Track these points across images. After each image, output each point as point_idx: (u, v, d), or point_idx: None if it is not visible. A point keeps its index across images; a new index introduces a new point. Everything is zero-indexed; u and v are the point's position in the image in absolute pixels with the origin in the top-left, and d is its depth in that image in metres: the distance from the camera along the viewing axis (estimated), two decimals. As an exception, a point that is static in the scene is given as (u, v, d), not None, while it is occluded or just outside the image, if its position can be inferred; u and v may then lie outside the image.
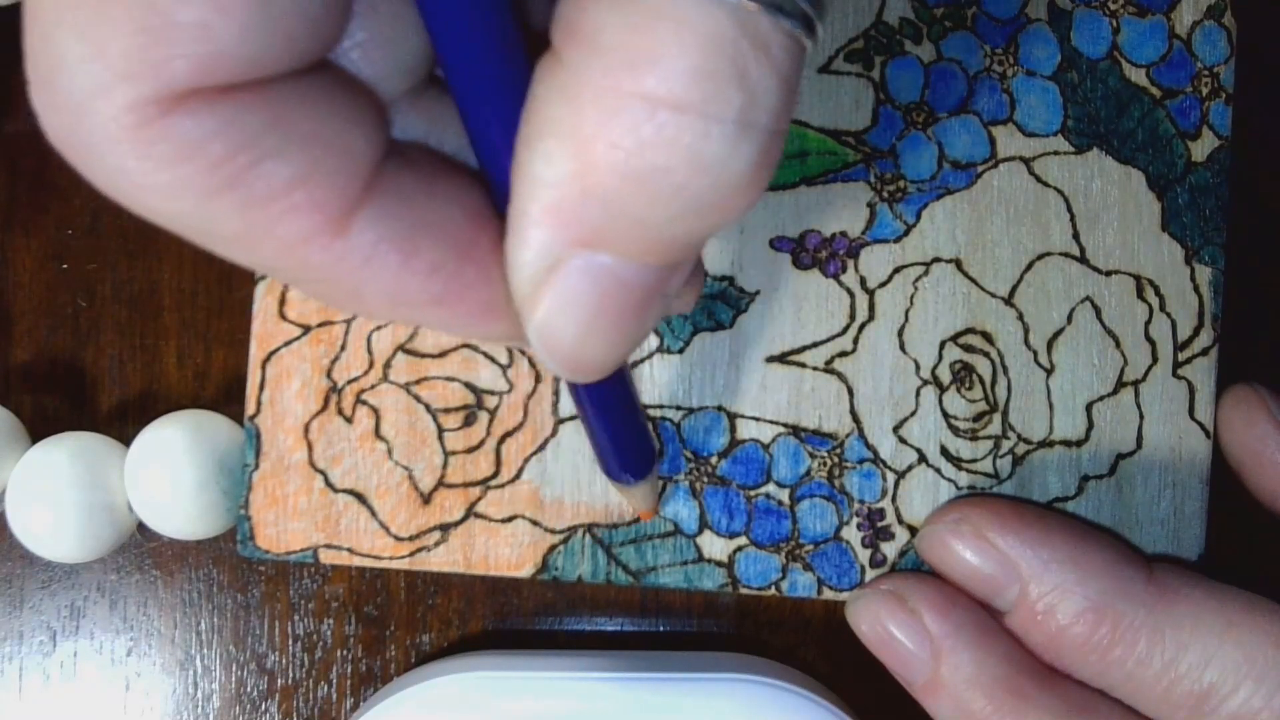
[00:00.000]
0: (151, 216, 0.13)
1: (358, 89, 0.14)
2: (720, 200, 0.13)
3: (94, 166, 0.13)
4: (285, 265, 0.14)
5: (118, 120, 0.12)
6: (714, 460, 0.25)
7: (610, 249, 0.13)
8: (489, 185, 0.15)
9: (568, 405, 0.25)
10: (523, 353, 0.25)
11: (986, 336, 0.25)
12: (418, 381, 0.25)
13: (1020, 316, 0.25)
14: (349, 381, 0.25)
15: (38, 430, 0.27)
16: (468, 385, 0.25)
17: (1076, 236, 0.25)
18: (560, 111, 0.13)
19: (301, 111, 0.13)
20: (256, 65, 0.13)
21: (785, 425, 0.25)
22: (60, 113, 0.12)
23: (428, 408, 0.25)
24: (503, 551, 0.25)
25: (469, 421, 0.25)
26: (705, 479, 0.25)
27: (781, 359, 0.25)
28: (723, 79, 0.12)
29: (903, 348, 0.25)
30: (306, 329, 0.25)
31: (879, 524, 0.25)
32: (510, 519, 0.25)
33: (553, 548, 0.25)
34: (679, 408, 0.25)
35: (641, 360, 0.25)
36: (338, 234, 0.14)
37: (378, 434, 0.25)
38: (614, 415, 0.20)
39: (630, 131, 0.12)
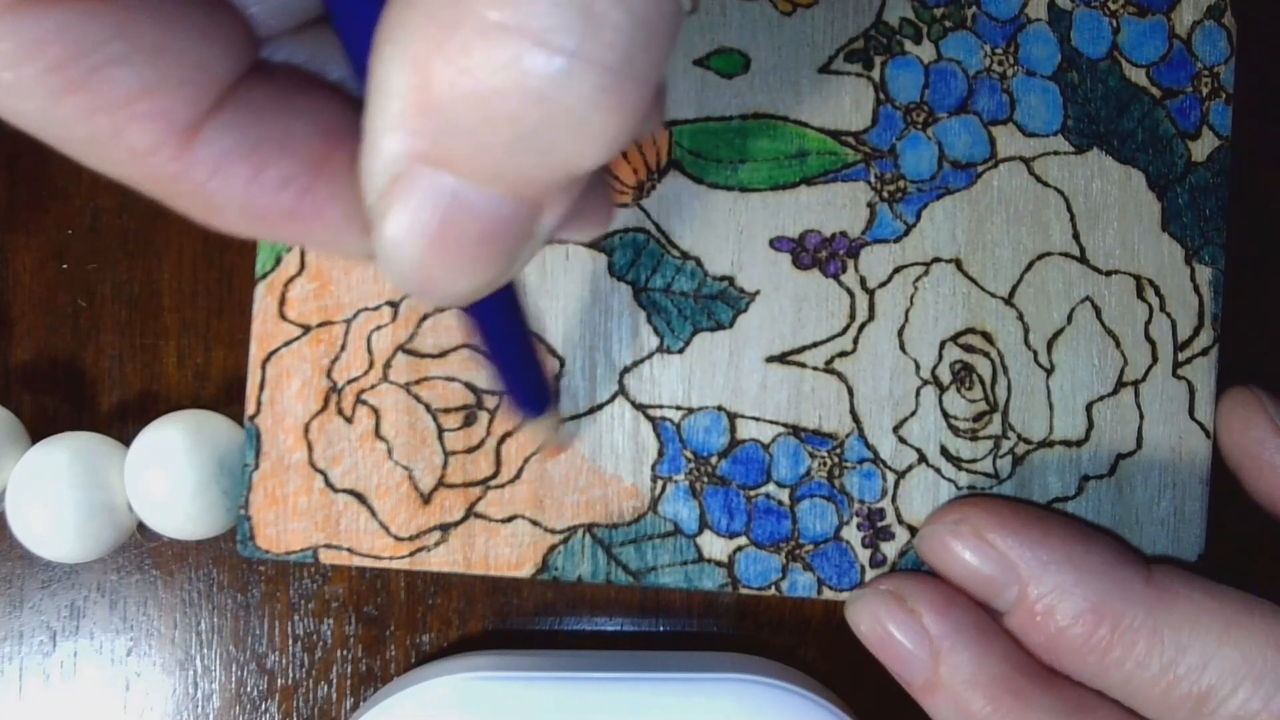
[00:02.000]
0: (6, 118, 0.14)
1: (222, 6, 0.15)
2: (562, 137, 0.13)
3: None
4: (137, 175, 0.14)
5: None
6: (714, 460, 0.25)
7: (453, 169, 0.13)
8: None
9: (567, 405, 0.25)
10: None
11: (986, 336, 0.25)
12: (418, 381, 0.25)
13: (1020, 316, 0.25)
14: (349, 381, 0.25)
15: (38, 430, 0.27)
16: (468, 385, 0.25)
17: (1076, 236, 0.25)
18: (405, 20, 0.13)
19: (152, 21, 0.13)
20: None
21: (785, 425, 0.25)
22: None
23: (428, 408, 0.25)
24: (503, 551, 0.25)
25: (469, 421, 0.25)
26: (705, 479, 0.25)
27: (781, 359, 0.25)
28: (565, 9, 0.12)
29: (903, 348, 0.25)
30: (306, 329, 0.25)
31: (879, 524, 0.25)
32: (510, 519, 0.25)
33: (553, 548, 0.25)
34: (679, 408, 0.25)
35: (641, 360, 0.25)
36: (185, 145, 0.14)
37: (378, 434, 0.25)
38: (501, 347, 0.20)
39: (466, 49, 0.12)
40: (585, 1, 0.12)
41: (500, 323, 0.19)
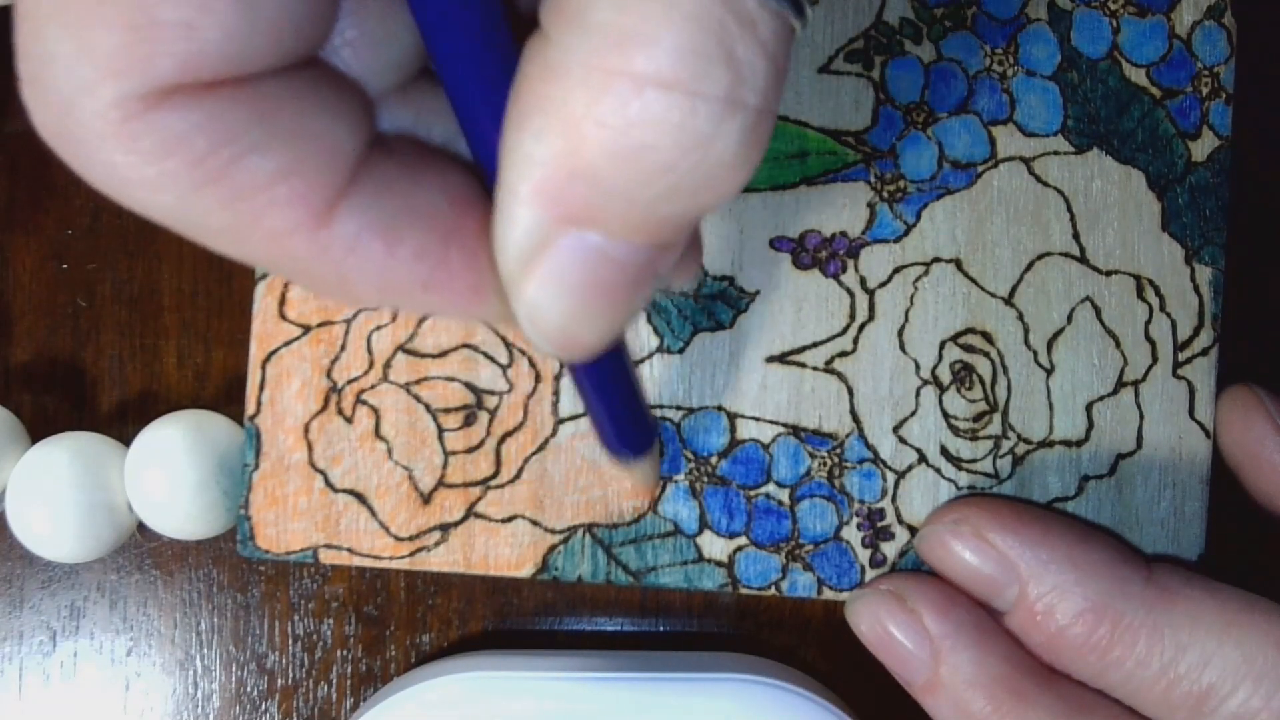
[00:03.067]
0: (141, 209, 0.14)
1: (345, 84, 0.15)
2: (708, 179, 0.13)
3: (83, 160, 0.13)
4: (273, 257, 0.14)
5: (104, 116, 0.13)
6: (714, 460, 0.25)
7: (599, 228, 0.14)
8: (479, 169, 0.15)
9: (568, 405, 0.25)
10: (522, 351, 0.25)
11: (986, 336, 0.25)
12: (418, 381, 0.25)
13: (1020, 316, 0.25)
14: (349, 381, 0.25)
15: (38, 430, 0.27)
16: (468, 385, 0.25)
17: (1076, 236, 0.25)
18: (549, 89, 0.13)
19: (286, 106, 0.13)
20: (240, 63, 0.13)
21: (785, 425, 0.25)
22: (50, 109, 0.13)
23: (428, 408, 0.25)
24: (503, 551, 0.25)
25: (469, 421, 0.25)
26: (705, 479, 0.25)
27: (781, 359, 0.25)
28: (709, 57, 0.12)
29: (903, 348, 0.25)
30: (306, 329, 0.25)
31: (879, 524, 0.25)
32: (510, 519, 0.25)
33: (553, 548, 0.25)
34: (679, 408, 0.25)
35: (641, 360, 0.25)
36: (322, 225, 0.14)
37: (378, 434, 0.25)
38: (612, 391, 0.20)
39: (617, 110, 0.12)
40: (727, 48, 0.12)
41: (609, 362, 0.19)
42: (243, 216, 0.13)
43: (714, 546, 0.25)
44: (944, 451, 0.25)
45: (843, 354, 0.25)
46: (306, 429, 0.25)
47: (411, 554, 0.25)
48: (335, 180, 0.14)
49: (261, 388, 0.25)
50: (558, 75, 0.13)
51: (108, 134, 0.13)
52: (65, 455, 0.26)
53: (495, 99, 0.14)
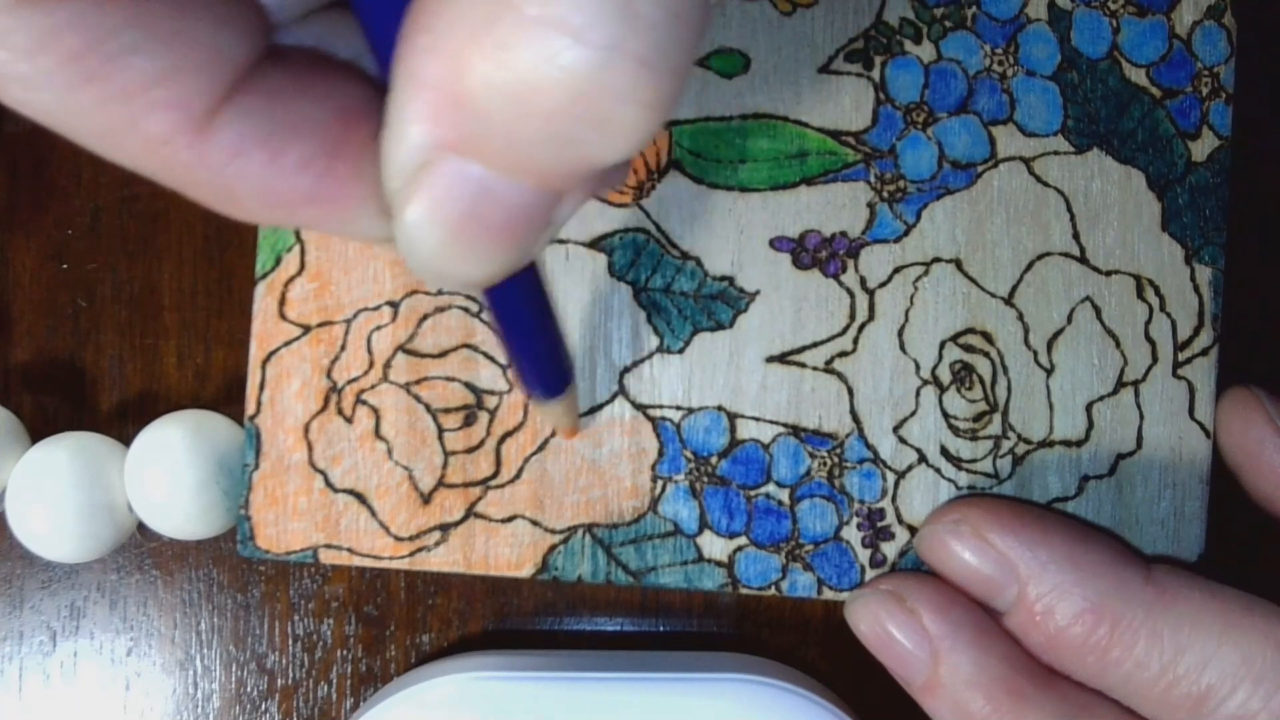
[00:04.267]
0: (21, 109, 0.14)
1: None
2: (597, 132, 0.13)
3: None
4: (153, 163, 0.14)
5: None
6: (714, 460, 0.25)
7: (481, 159, 0.13)
8: (383, 85, 0.15)
9: (568, 405, 0.25)
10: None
11: (986, 336, 0.25)
12: (418, 381, 0.25)
13: (1020, 316, 0.25)
14: (349, 381, 0.25)
15: (38, 430, 0.27)
16: (468, 385, 0.25)
17: (1076, 236, 0.25)
18: (441, 10, 0.13)
19: (167, 10, 0.13)
20: None
21: (785, 425, 0.25)
22: None
23: (428, 408, 0.25)
24: (503, 551, 0.25)
25: (469, 421, 0.25)
26: (705, 479, 0.25)
27: (781, 359, 0.25)
28: (604, 4, 0.12)
29: (903, 348, 0.25)
30: (306, 329, 0.25)
31: (879, 524, 0.25)
32: (510, 519, 0.25)
33: (553, 548, 0.25)
34: (679, 408, 0.25)
35: (641, 360, 0.25)
36: (202, 131, 0.14)
37: (378, 434, 0.25)
38: (522, 328, 0.20)
39: (503, 43, 0.12)
40: None
41: (517, 300, 0.19)
42: (120, 119, 0.14)
43: (714, 546, 0.25)
44: (944, 451, 0.25)
45: (843, 354, 0.25)
46: (306, 429, 0.25)
47: (411, 554, 0.25)
48: (216, 87, 0.14)
49: (261, 388, 0.25)
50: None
51: None
52: (65, 455, 0.26)
53: (397, 11, 0.14)
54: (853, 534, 0.25)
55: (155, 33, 0.13)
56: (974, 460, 0.25)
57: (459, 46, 0.12)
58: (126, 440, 0.26)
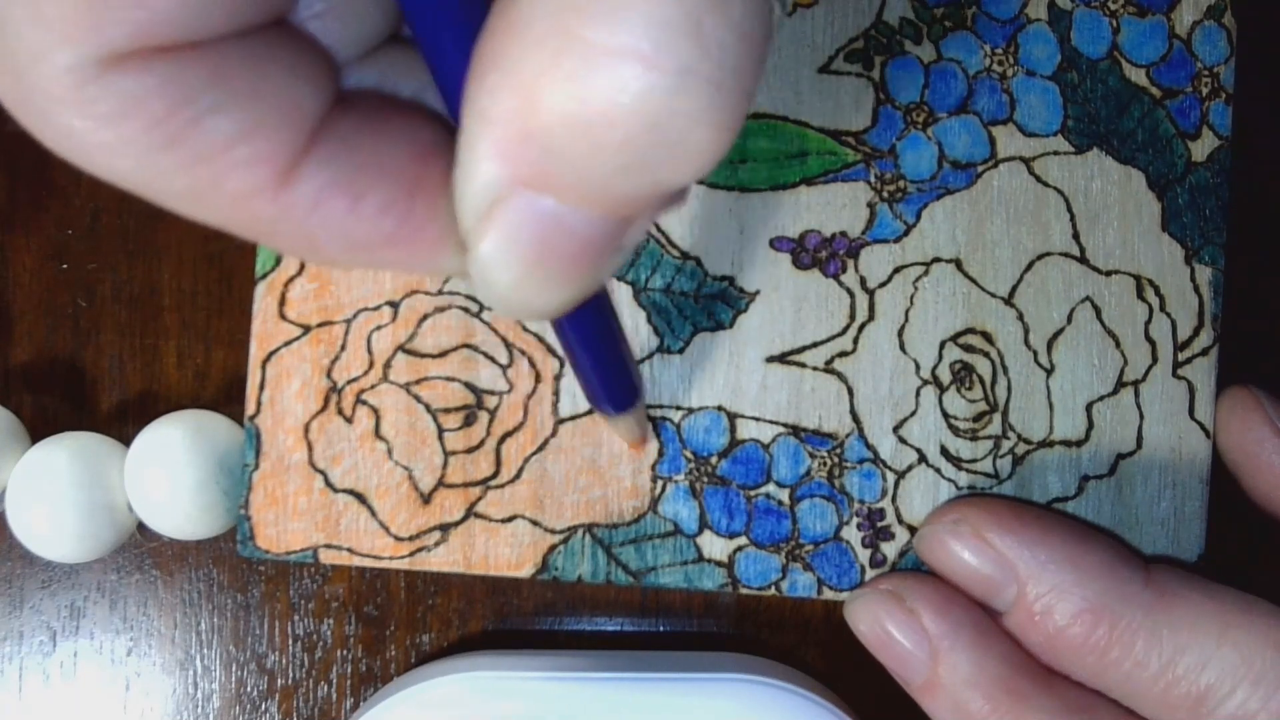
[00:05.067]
0: (102, 174, 0.14)
1: (309, 44, 0.15)
2: (669, 157, 0.13)
3: (42, 126, 0.13)
4: (238, 218, 0.14)
5: (59, 81, 0.13)
6: (714, 460, 0.25)
7: (553, 192, 0.13)
8: (450, 121, 0.15)
9: (568, 405, 0.25)
10: (522, 351, 0.25)
11: (986, 336, 0.25)
12: (418, 381, 0.25)
13: (1020, 316, 0.25)
14: (349, 381, 0.25)
15: (38, 430, 0.27)
16: (468, 385, 0.25)
17: (1076, 236, 0.25)
18: (509, 46, 0.13)
19: (245, 68, 0.13)
20: (195, 29, 0.13)
21: (785, 425, 0.25)
22: (6, 75, 0.13)
23: (428, 408, 0.25)
24: (503, 551, 0.25)
25: (469, 421, 0.25)
26: (705, 479, 0.25)
27: (781, 359, 0.25)
28: (674, 29, 0.12)
29: (903, 348, 0.25)
30: (306, 329, 0.25)
31: (879, 524, 0.25)
32: (510, 519, 0.25)
33: (553, 548, 0.25)
34: (679, 408, 0.25)
35: (641, 360, 0.25)
36: (284, 184, 0.14)
37: (378, 434, 0.25)
38: (593, 346, 0.20)
39: (574, 76, 0.12)
40: (694, 21, 0.12)
41: (587, 322, 0.19)
42: (204, 179, 0.14)
43: (714, 546, 0.25)
44: (944, 451, 0.25)
45: (843, 354, 0.25)
46: (306, 429, 0.25)
47: (411, 554, 0.25)
48: (297, 140, 0.14)
49: (261, 388, 0.25)
50: (518, 32, 0.12)
51: (64, 99, 0.13)
52: (65, 455, 0.26)
53: (464, 49, 0.14)
54: (853, 534, 0.25)
55: (235, 91, 0.13)
56: (974, 460, 0.25)
57: (528, 81, 0.12)
58: (126, 440, 0.26)
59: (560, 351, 0.25)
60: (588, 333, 0.19)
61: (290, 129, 0.14)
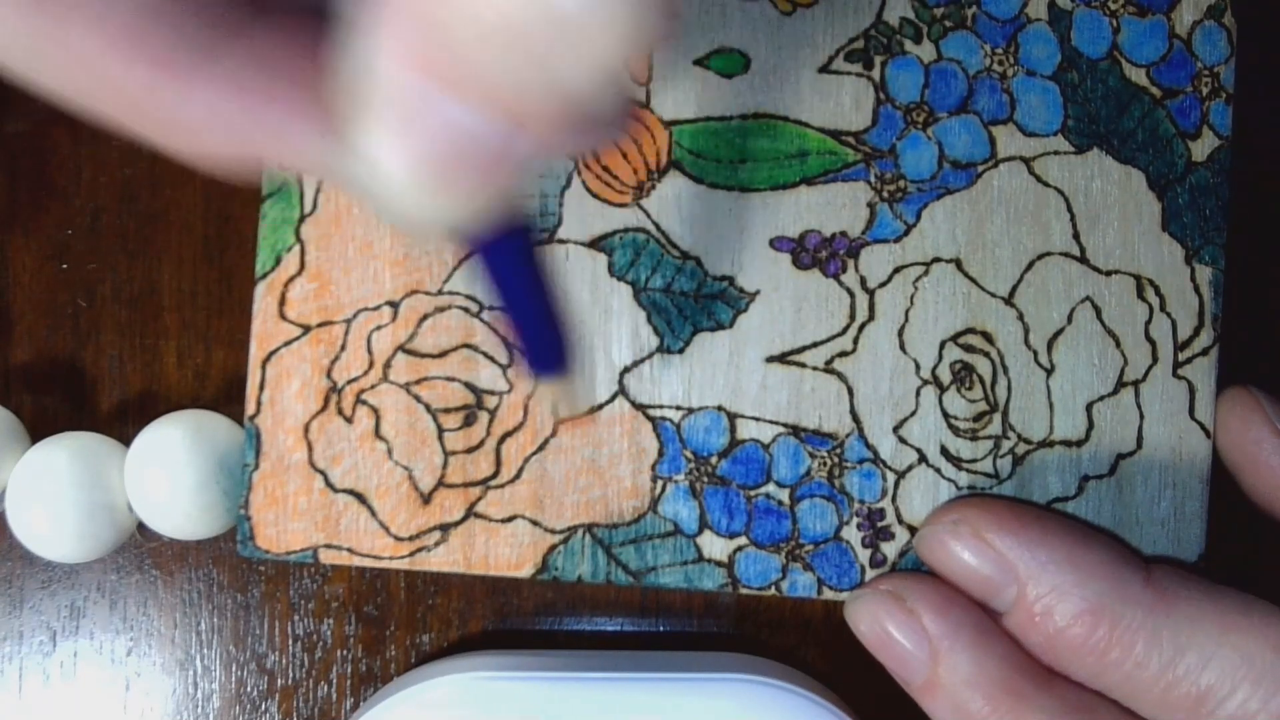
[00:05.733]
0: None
1: None
2: (565, 58, 0.12)
3: None
4: (122, 105, 0.14)
5: None
6: (714, 460, 0.25)
7: (454, 91, 0.13)
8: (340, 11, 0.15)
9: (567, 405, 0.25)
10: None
11: (986, 336, 0.25)
12: (418, 381, 0.25)
13: (1020, 316, 0.25)
14: (349, 381, 0.25)
15: (38, 430, 0.27)
16: (468, 385, 0.25)
17: (1076, 236, 0.25)
18: None
19: None
20: None
21: (785, 425, 0.25)
22: None
23: (428, 408, 0.25)
24: (503, 551, 0.25)
25: (469, 421, 0.25)
26: (705, 479, 0.25)
27: (781, 359, 0.25)
28: None
29: (903, 348, 0.25)
30: (306, 329, 0.25)
31: (879, 524, 0.25)
32: (510, 519, 0.25)
33: (553, 548, 0.25)
34: (679, 408, 0.25)
35: (641, 360, 0.25)
36: (168, 68, 0.14)
37: (378, 434, 0.25)
38: (516, 296, 0.19)
39: None
40: None
41: (509, 267, 0.18)
42: (62, 40, 0.14)
43: (714, 546, 0.25)
44: (944, 451, 0.25)
45: (843, 354, 0.25)
46: (306, 429, 0.25)
47: (411, 554, 0.25)
48: (185, 25, 0.14)
49: (261, 388, 0.25)
50: None
51: None
52: (65, 455, 0.26)
53: None
54: (853, 534, 0.25)
55: None
56: (974, 460, 0.25)
57: None
58: (126, 440, 0.26)
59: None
60: (510, 279, 0.19)
61: (178, 11, 0.14)
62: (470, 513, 0.25)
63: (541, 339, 0.20)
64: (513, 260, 0.18)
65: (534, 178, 0.15)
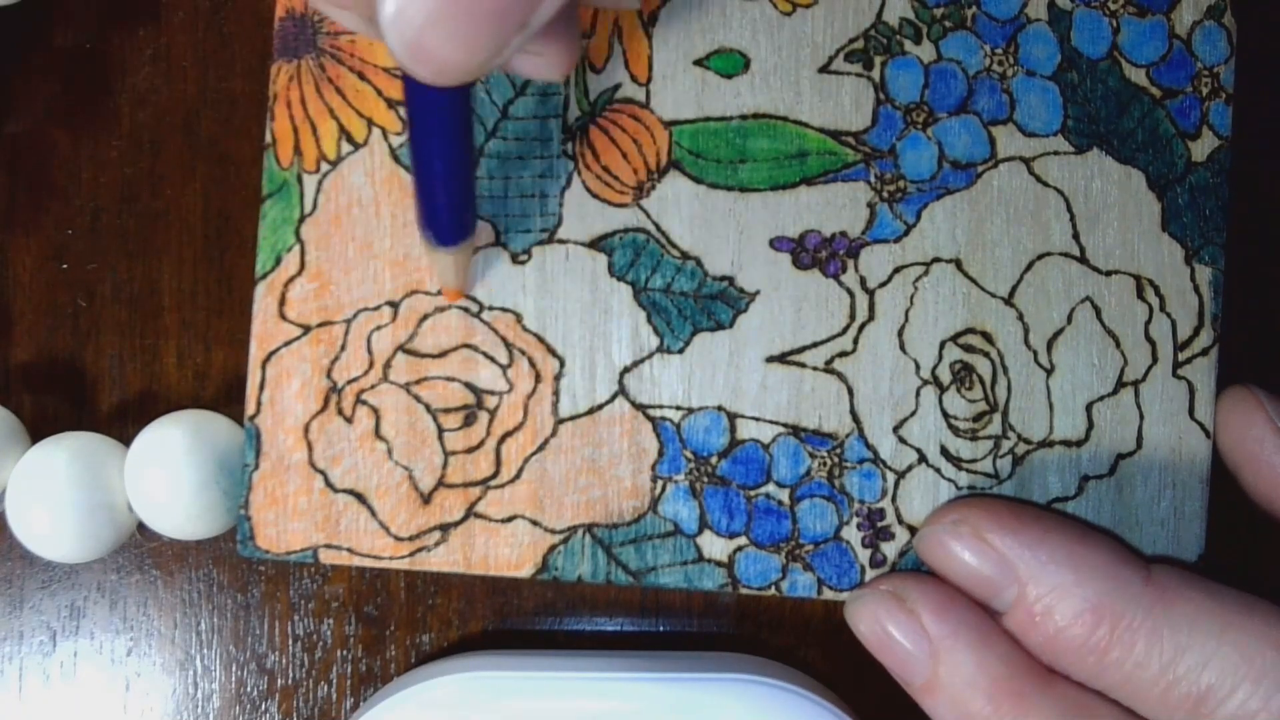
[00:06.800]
0: None
1: None
2: None
3: None
4: None
5: None
6: (714, 460, 0.25)
7: None
8: None
9: (567, 405, 0.25)
10: (522, 351, 0.25)
11: (986, 336, 0.25)
12: (418, 381, 0.25)
13: (1020, 316, 0.25)
14: (349, 381, 0.25)
15: (38, 430, 0.27)
16: (468, 385, 0.25)
17: (1076, 236, 0.25)
18: None
19: None
20: None
21: (785, 425, 0.25)
22: None
23: (428, 408, 0.25)
24: (503, 551, 0.25)
25: (469, 421, 0.25)
26: (705, 479, 0.25)
27: (781, 359, 0.25)
28: None
29: (903, 348, 0.25)
30: (306, 329, 0.25)
31: (879, 524, 0.25)
32: (510, 519, 0.25)
33: (553, 548, 0.25)
34: (679, 408, 0.25)
35: (641, 360, 0.25)
36: None
37: (378, 434, 0.25)
38: (435, 157, 0.20)
39: None
40: None
41: (442, 124, 0.19)
42: None
43: (714, 546, 0.25)
44: (944, 451, 0.25)
45: (843, 354, 0.25)
46: (306, 429, 0.25)
47: (411, 554, 0.25)
48: None
49: (261, 388, 0.25)
50: None
51: None
52: (65, 455, 0.26)
53: None
54: (853, 534, 0.25)
55: None
56: (974, 460, 0.25)
57: None
58: (126, 440, 0.26)
59: (561, 350, 0.25)
60: (436, 137, 0.19)
61: None
62: (470, 513, 0.25)
63: (442, 204, 0.21)
64: (445, 114, 0.19)
65: (524, 44, 0.16)
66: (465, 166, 0.21)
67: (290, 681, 0.28)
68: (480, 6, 0.15)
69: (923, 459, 0.25)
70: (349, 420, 0.25)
